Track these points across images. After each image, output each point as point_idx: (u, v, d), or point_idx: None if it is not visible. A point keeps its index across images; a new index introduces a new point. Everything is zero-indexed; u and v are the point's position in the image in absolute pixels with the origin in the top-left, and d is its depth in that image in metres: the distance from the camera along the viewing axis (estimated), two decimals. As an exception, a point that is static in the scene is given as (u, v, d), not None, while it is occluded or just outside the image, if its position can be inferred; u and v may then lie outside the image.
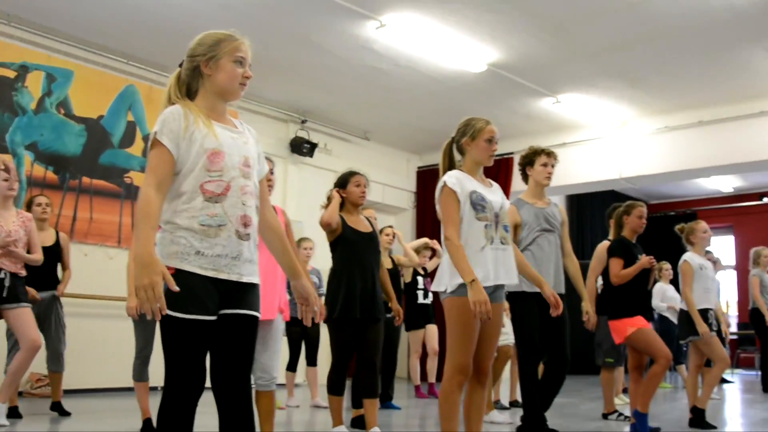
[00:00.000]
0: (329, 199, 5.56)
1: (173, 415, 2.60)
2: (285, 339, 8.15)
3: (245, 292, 2.73)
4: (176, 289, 2.47)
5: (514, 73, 9.92)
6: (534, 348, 5.17)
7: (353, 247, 5.33)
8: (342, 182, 5.56)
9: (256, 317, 2.77)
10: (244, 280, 2.72)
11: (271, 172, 4.44)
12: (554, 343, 5.24)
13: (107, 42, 9.03)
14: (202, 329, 2.60)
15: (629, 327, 5.69)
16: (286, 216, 4.74)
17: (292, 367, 8.23)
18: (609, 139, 12.04)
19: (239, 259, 2.70)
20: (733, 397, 9.47)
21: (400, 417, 7.20)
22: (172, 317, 2.56)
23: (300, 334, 8.04)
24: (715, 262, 10.88)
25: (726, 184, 16.40)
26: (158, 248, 2.61)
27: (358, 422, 6.05)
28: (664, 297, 9.88)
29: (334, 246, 5.41)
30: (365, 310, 5.27)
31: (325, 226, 5.37)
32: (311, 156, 11.52)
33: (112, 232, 9.08)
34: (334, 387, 5.35)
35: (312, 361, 8.11)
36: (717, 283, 8.27)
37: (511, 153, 12.14)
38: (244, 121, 2.99)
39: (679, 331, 6.60)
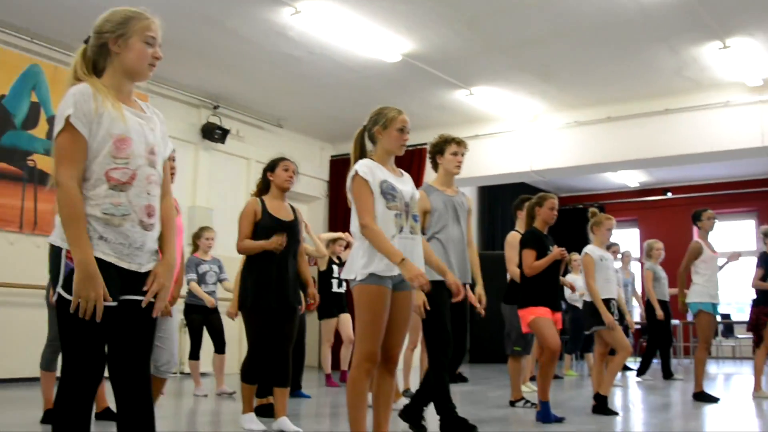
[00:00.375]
0: (259, 186, 5.53)
1: (72, 403, 2.54)
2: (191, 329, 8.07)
3: (145, 281, 2.70)
4: (111, 302, 2.51)
5: (428, 65, 10.01)
6: (445, 337, 5.23)
7: (269, 235, 5.30)
8: (271, 165, 5.53)
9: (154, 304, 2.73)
10: (144, 270, 2.68)
11: (173, 159, 4.38)
12: (454, 331, 5.31)
13: (10, 19, 8.69)
14: (102, 315, 2.54)
15: (531, 315, 5.88)
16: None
17: (194, 355, 8.09)
18: (520, 132, 12.29)
19: (142, 250, 2.66)
20: (635, 384, 9.81)
21: (309, 405, 7.20)
22: (70, 301, 2.50)
23: (201, 322, 7.96)
24: (624, 255, 11.22)
25: (632, 179, 16.94)
26: (57, 230, 2.56)
27: (264, 411, 6.03)
28: (576, 286, 10.15)
29: (253, 233, 5.37)
30: (280, 300, 5.25)
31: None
32: (223, 142, 11.37)
33: (14, 217, 8.77)
34: (249, 376, 5.32)
35: (220, 348, 8.03)
36: (618, 274, 8.57)
37: (424, 144, 12.20)
38: (155, 105, 2.93)
39: (585, 321, 6.81)
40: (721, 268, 7.98)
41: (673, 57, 9.87)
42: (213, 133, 11.20)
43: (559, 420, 5.89)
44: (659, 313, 10.00)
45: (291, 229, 5.42)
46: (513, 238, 6.99)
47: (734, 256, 8.03)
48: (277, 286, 5.26)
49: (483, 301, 5.66)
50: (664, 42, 9.39)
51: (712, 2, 8.29)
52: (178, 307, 5.23)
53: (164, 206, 2.83)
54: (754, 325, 7.98)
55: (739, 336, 14.84)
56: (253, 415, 5.36)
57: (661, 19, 8.70)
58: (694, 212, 8.04)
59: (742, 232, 16.88)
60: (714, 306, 7.73)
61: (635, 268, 12.82)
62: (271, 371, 5.34)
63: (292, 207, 5.59)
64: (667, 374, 10.49)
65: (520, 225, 6.98)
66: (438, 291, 4.89)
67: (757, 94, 10.73)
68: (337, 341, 9.10)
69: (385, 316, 3.83)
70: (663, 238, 11.20)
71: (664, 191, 17.64)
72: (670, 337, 10.68)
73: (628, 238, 17.54)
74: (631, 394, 8.69)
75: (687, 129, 11.14)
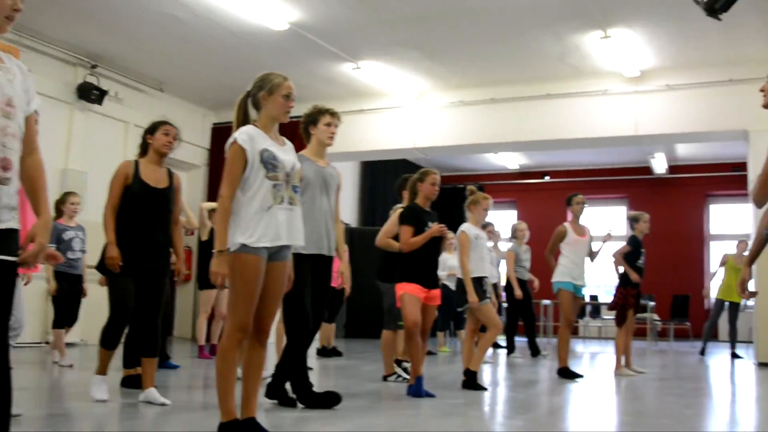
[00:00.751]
0: (142, 147, 5.34)
1: None
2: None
3: (3, 238, 2.56)
4: None
5: (315, 35, 9.91)
6: (304, 312, 5.21)
7: (137, 201, 5.15)
8: (152, 128, 5.36)
9: (14, 263, 2.60)
10: (3, 226, 2.55)
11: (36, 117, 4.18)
12: (312, 303, 5.31)
13: None
14: None
15: (401, 291, 5.98)
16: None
17: (59, 324, 7.80)
18: (405, 109, 12.37)
19: None
20: (504, 361, 10.10)
21: (179, 377, 7.08)
22: None
23: (68, 290, 7.68)
24: (494, 234, 11.44)
25: (512, 161, 17.35)
26: None
27: (131, 382, 5.88)
28: (444, 266, 10.32)
29: (122, 198, 5.19)
30: (145, 267, 5.12)
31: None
32: (100, 104, 10.94)
33: None
34: (107, 341, 5.18)
35: (73, 321, 7.84)
36: (492, 253, 8.80)
37: (310, 116, 12.15)
38: (26, 60, 2.77)
39: (457, 298, 6.95)
40: (597, 251, 8.31)
41: (557, 43, 10.13)
42: (90, 94, 10.76)
43: (430, 395, 6.00)
44: (517, 293, 10.31)
45: (163, 196, 5.27)
46: (396, 214, 7.06)
47: (607, 237, 8.35)
48: (142, 253, 5.13)
49: (347, 279, 5.68)
50: (548, 28, 9.62)
51: (595, -8, 8.54)
52: (37, 274, 5.03)
53: (30, 163, 2.73)
54: (619, 305, 8.35)
55: (606, 317, 15.49)
56: (102, 378, 5.19)
57: (546, 5, 8.91)
58: (567, 196, 8.34)
59: (614, 218, 17.57)
60: (576, 287, 8.05)
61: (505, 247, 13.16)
62: (139, 341, 5.21)
63: (170, 173, 5.43)
64: (535, 352, 10.85)
65: (405, 203, 7.04)
66: (299, 265, 4.86)
67: (633, 85, 11.16)
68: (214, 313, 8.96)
69: (259, 286, 3.79)
70: (540, 220, 11.58)
71: (542, 175, 18.17)
72: (533, 316, 11.08)
73: (506, 219, 17.96)
74: (500, 371, 8.95)
75: (566, 115, 11.49)
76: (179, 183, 5.53)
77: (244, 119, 4.03)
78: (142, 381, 5.22)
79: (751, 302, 11.30)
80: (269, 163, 3.85)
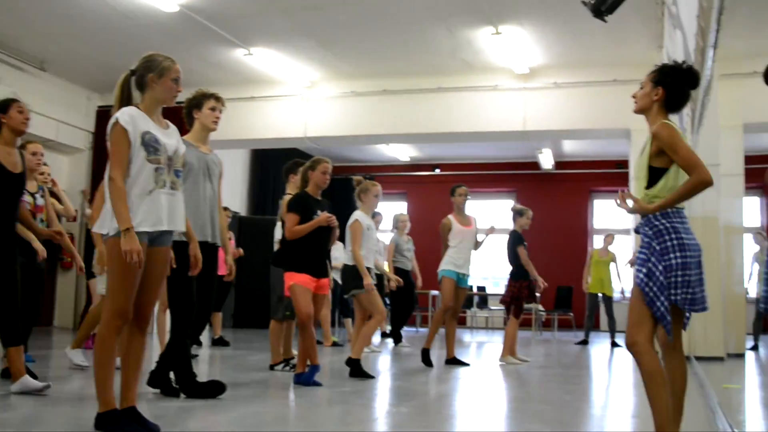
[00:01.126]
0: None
1: None
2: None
3: None
4: None
5: (207, 19, 9.73)
6: (190, 300, 5.13)
7: None
8: (3, 106, 5.11)
9: None
10: None
11: None
12: (198, 295, 5.23)
13: None
14: None
15: (291, 281, 5.96)
16: None
17: None
18: (297, 98, 12.31)
19: None
20: (391, 350, 10.20)
21: (58, 367, 6.84)
22: None
23: None
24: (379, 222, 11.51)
25: (403, 153, 17.50)
26: None
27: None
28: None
29: None
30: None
31: None
32: (-26, 82, 10.44)
33: None
34: None
35: None
36: (379, 243, 8.89)
37: (200, 101, 11.92)
38: None
39: (344, 286, 6.98)
40: (480, 243, 8.48)
41: (450, 38, 10.27)
42: (-38, 71, 10.25)
43: (317, 384, 6.00)
44: (392, 283, 10.32)
45: (14, 180, 5.07)
46: (285, 202, 7.03)
47: (490, 230, 8.54)
48: None
49: (232, 269, 5.60)
50: (441, 22, 9.74)
51: (487, -13, 8.69)
52: None
53: None
54: (513, 297, 8.54)
55: (493, 308, 15.84)
56: None
57: (440, -1, 9.01)
58: (451, 188, 8.50)
59: (502, 211, 17.97)
60: (460, 276, 8.18)
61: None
62: (2, 330, 5.00)
63: (21, 156, 5.23)
64: (398, 340, 11.01)
65: (292, 189, 7.00)
66: (184, 252, 4.78)
67: (522, 81, 11.44)
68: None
69: (139, 272, 3.70)
70: (430, 212, 11.75)
71: (433, 167, 18.40)
72: (411, 307, 11.31)
73: (396, 210, 18.07)
74: (387, 360, 9.03)
75: (457, 108, 11.68)
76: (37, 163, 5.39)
77: (126, 100, 3.92)
78: (11, 372, 5.02)
79: (628, 294, 11.78)
80: (151, 146, 3.76)
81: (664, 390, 3.43)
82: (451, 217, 8.38)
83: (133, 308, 3.74)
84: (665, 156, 3.53)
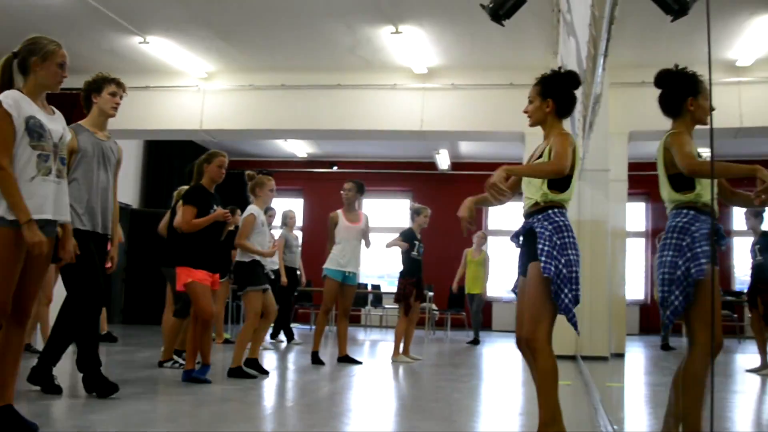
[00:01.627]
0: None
1: None
2: None
3: None
4: None
5: (100, 3, 9.42)
6: (98, 290, 4.98)
7: None
8: None
9: None
10: None
11: None
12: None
13: None
14: None
15: (189, 277, 5.85)
16: None
17: None
18: (194, 89, 12.08)
19: None
20: (284, 348, 10.17)
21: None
22: None
23: None
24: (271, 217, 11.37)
25: (301, 150, 17.42)
26: None
27: None
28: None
29: None
30: None
31: None
32: None
33: None
34: None
35: None
36: (272, 240, 8.83)
37: (91, 89, 11.55)
38: None
39: (236, 282, 6.89)
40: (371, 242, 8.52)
41: (349, 35, 10.28)
42: None
43: (207, 381, 5.92)
44: (284, 279, 10.32)
45: None
46: (179, 194, 6.91)
47: (395, 243, 8.61)
48: None
49: (114, 261, 5.44)
50: (341, 18, 9.74)
51: (388, -14, 8.74)
52: None
53: None
54: (401, 295, 8.66)
55: (387, 306, 15.94)
56: None
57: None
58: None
59: (399, 210, 18.07)
60: (345, 274, 8.17)
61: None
62: None
63: None
64: (280, 335, 11.07)
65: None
66: (82, 241, 4.64)
67: (421, 81, 11.55)
68: None
69: (19, 264, 3.56)
70: (326, 209, 11.65)
71: (330, 164, 18.38)
72: (290, 304, 11.39)
73: (293, 207, 17.97)
74: (278, 358, 8.99)
75: (356, 106, 11.70)
76: None
77: (8, 83, 3.78)
78: None
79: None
80: (35, 131, 3.64)
81: (555, 389, 3.54)
82: (340, 212, 8.38)
83: (11, 302, 3.60)
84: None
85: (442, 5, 9.28)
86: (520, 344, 3.79)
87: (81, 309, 5.01)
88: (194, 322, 5.96)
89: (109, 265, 5.30)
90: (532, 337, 3.56)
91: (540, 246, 3.60)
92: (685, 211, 3.58)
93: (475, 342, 12.44)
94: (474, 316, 12.85)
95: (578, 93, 4.96)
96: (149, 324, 12.56)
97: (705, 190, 3.55)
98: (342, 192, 8.44)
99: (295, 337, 11.17)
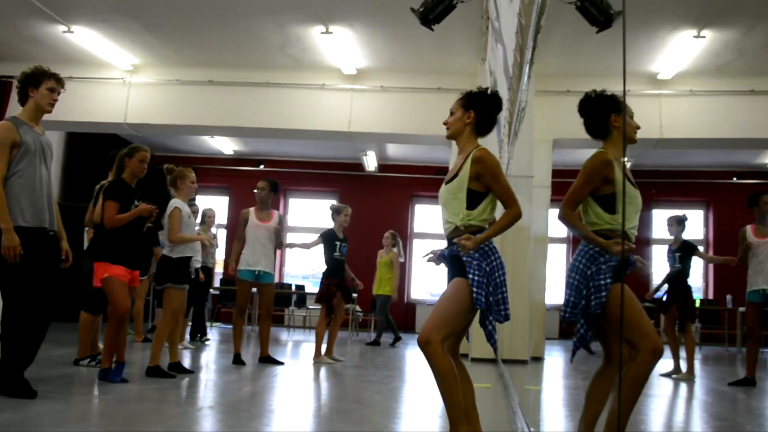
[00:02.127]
0: None
1: None
2: None
3: None
4: None
5: (22, -10, 9.17)
6: (35, 292, 4.81)
7: None
8: None
9: None
10: None
11: None
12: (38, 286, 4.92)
13: None
14: None
15: (106, 273, 5.73)
16: None
17: None
18: (119, 82, 11.84)
19: None
20: (205, 345, 10.06)
21: None
22: None
23: None
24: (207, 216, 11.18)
25: (227, 147, 17.22)
26: None
27: None
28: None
29: None
30: None
31: None
32: None
33: None
34: None
35: None
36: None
37: (11, 77, 11.22)
38: None
39: (157, 277, 6.78)
40: (285, 243, 8.46)
41: (279, 32, 10.21)
42: None
43: (124, 381, 5.81)
44: (201, 275, 10.12)
45: None
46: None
47: (295, 244, 8.55)
48: None
49: (69, 257, 5.30)
50: (272, 16, 9.67)
51: (319, -14, 8.71)
52: None
53: None
54: (324, 295, 8.64)
55: (311, 307, 15.87)
56: None
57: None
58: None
59: (326, 210, 18.05)
60: (256, 274, 8.09)
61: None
62: None
63: None
64: (195, 335, 10.99)
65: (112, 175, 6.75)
66: (25, 240, 4.51)
67: (350, 82, 11.55)
68: None
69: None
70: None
71: (257, 163, 18.22)
72: (203, 302, 11.34)
73: (218, 205, 17.74)
74: (202, 357, 8.89)
75: (284, 105, 11.63)
76: None
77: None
78: None
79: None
80: None
81: (456, 388, 3.57)
82: (252, 210, 8.33)
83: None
84: (481, 181, 3.70)
85: (373, 7, 9.30)
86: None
87: (22, 309, 4.82)
88: (110, 319, 5.84)
89: (65, 259, 5.17)
90: (425, 339, 3.55)
91: (470, 276, 3.59)
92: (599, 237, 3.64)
93: (383, 342, 12.49)
94: (378, 317, 12.76)
95: (504, 100, 5.04)
96: (65, 321, 12.24)
97: (627, 218, 3.63)
98: (255, 190, 8.38)
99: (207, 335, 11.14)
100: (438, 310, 3.64)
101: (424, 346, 3.56)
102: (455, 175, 3.79)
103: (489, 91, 3.95)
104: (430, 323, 3.59)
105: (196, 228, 10.42)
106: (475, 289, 3.57)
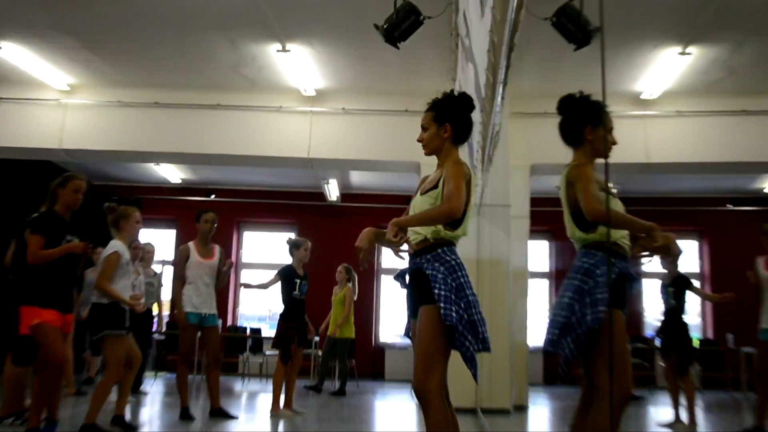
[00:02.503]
0: None
1: None
2: None
3: None
4: None
5: (-54, 4, 9.12)
6: None
7: None
8: None
9: None
10: None
11: None
12: None
13: None
14: None
15: (34, 318, 5.60)
16: None
17: None
18: (53, 103, 11.78)
19: None
20: (148, 399, 9.94)
21: None
22: None
23: None
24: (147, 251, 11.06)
25: (174, 175, 17.13)
26: None
27: None
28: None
29: None
30: None
31: None
32: None
33: None
34: None
35: None
36: (141, 277, 8.54)
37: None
38: None
39: (92, 326, 6.53)
40: (224, 277, 8.31)
41: (232, 51, 10.24)
42: None
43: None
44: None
45: None
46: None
47: (228, 265, 8.40)
48: None
49: None
50: (224, 32, 9.70)
51: (276, 1, 8.75)
52: None
53: None
54: (281, 339, 8.48)
55: (268, 353, 15.77)
56: None
57: (223, 6, 8.97)
58: (197, 211, 8.42)
59: (283, 244, 17.99)
60: (203, 316, 7.98)
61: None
62: None
63: None
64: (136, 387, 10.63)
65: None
66: None
67: (309, 104, 11.61)
68: None
69: None
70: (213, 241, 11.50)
71: (208, 192, 18.15)
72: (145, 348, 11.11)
73: (164, 238, 17.57)
74: (146, 410, 8.79)
75: (238, 129, 11.64)
76: None
77: None
78: None
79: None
80: None
81: None
82: (192, 244, 8.23)
83: None
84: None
85: (334, 24, 9.37)
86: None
87: None
88: (41, 371, 5.73)
89: None
90: (422, 387, 3.55)
91: (436, 291, 3.60)
92: (593, 252, 3.70)
93: (317, 389, 12.39)
94: (340, 363, 12.52)
95: (477, 123, 5.11)
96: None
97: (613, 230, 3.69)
98: (200, 222, 8.29)
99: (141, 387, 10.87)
100: (420, 351, 3.63)
101: (424, 393, 3.55)
102: (434, 186, 3.82)
103: (456, 94, 4.01)
104: (420, 368, 3.58)
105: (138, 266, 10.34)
106: (442, 305, 3.57)
